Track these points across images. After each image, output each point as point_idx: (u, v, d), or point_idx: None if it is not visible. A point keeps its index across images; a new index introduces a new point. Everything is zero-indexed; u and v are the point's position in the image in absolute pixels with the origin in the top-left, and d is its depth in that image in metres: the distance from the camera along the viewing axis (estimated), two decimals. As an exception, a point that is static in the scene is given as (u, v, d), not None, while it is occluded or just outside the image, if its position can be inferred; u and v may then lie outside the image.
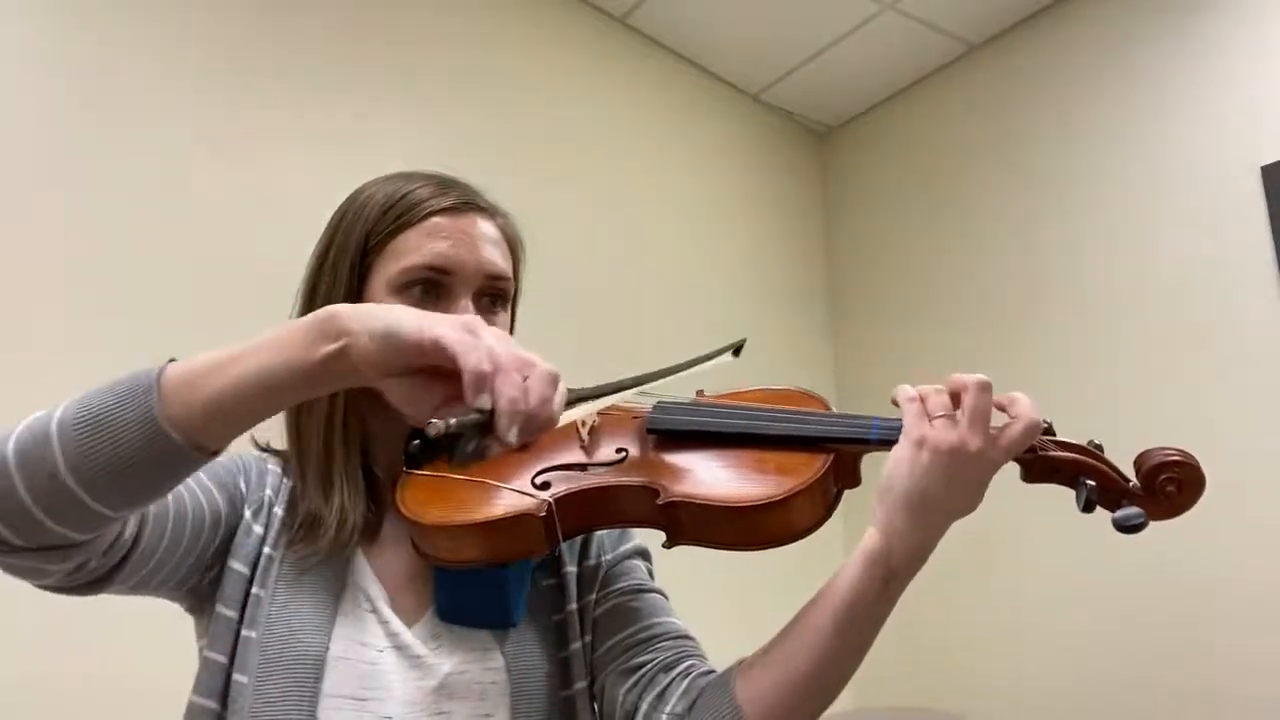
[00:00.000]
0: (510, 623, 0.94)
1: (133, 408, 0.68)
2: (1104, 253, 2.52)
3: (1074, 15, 2.71)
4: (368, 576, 0.93)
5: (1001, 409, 0.83)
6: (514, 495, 0.88)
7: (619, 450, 0.92)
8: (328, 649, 0.88)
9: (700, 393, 0.99)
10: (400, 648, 0.90)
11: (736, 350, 0.98)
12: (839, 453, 0.87)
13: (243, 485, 0.95)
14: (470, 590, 0.92)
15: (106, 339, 1.78)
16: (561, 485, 0.88)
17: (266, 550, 0.92)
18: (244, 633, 0.88)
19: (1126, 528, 0.79)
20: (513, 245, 1.03)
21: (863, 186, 3.24)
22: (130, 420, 0.68)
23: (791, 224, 3.23)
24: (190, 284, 1.90)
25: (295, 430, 0.98)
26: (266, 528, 0.93)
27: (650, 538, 0.94)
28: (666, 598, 1.03)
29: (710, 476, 0.88)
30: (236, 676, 0.86)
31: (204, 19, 2.07)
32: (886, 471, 0.84)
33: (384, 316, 0.69)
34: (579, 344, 2.35)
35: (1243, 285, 2.24)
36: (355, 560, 0.94)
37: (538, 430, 0.68)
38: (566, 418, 0.72)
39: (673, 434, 0.92)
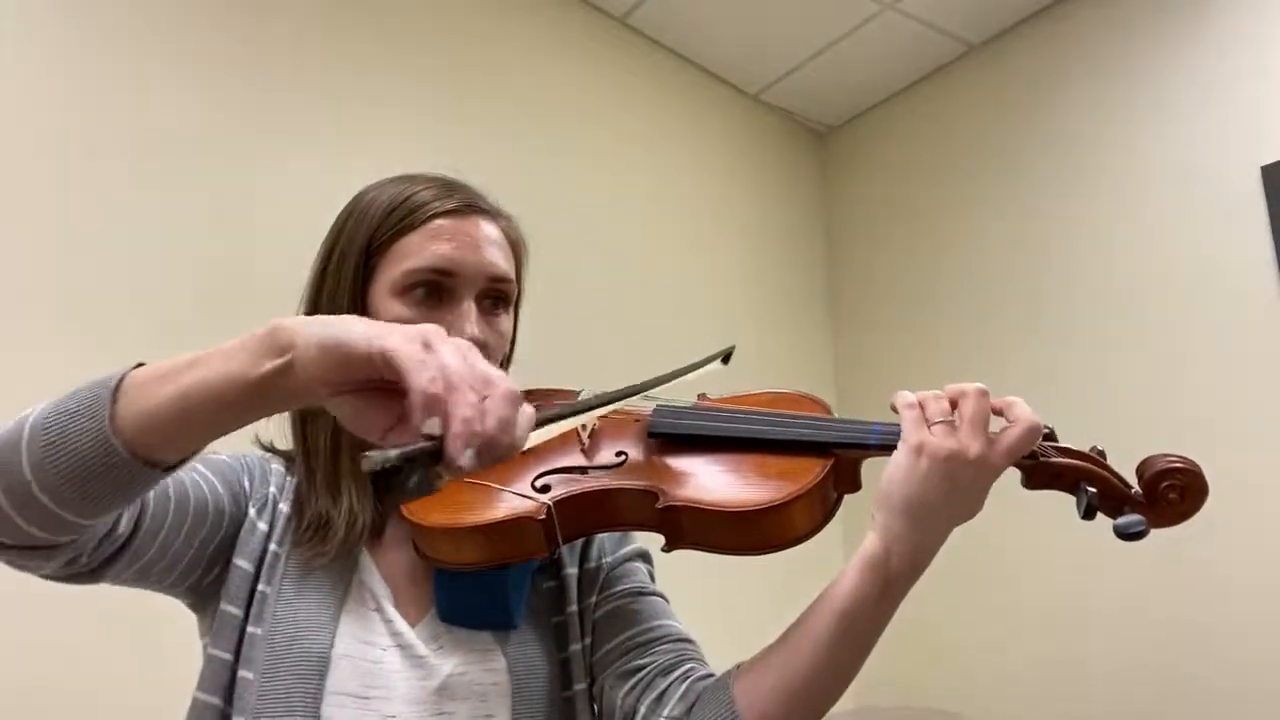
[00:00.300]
0: (511, 624, 0.94)
1: (88, 418, 0.66)
2: (1104, 252, 2.52)
3: (1074, 15, 2.71)
4: (373, 575, 0.94)
5: (999, 414, 0.83)
6: (514, 498, 0.88)
7: (619, 453, 0.93)
8: (332, 646, 0.88)
9: (703, 396, 0.99)
10: (403, 647, 0.90)
11: (725, 358, 0.98)
12: (839, 457, 0.87)
13: (246, 483, 0.95)
14: (471, 592, 0.92)
15: (106, 339, 1.78)
16: (561, 488, 0.89)
17: (272, 547, 0.92)
18: (250, 629, 0.88)
19: (1128, 535, 0.78)
20: (515, 247, 1.03)
21: (863, 186, 3.24)
22: (84, 430, 0.66)
23: (791, 224, 3.23)
24: (190, 285, 1.90)
25: (301, 432, 0.98)
26: (271, 525, 0.94)
27: (650, 540, 0.94)
28: (667, 600, 1.03)
29: (710, 481, 0.88)
30: (242, 673, 0.87)
31: (203, 19, 2.07)
32: (885, 477, 0.84)
33: (332, 326, 0.63)
34: (578, 344, 2.36)
35: (1243, 285, 2.24)
36: (361, 559, 0.94)
37: (497, 458, 0.59)
38: (536, 438, 0.66)
39: (674, 437, 0.92)
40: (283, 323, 0.64)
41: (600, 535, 1.04)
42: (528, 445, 0.62)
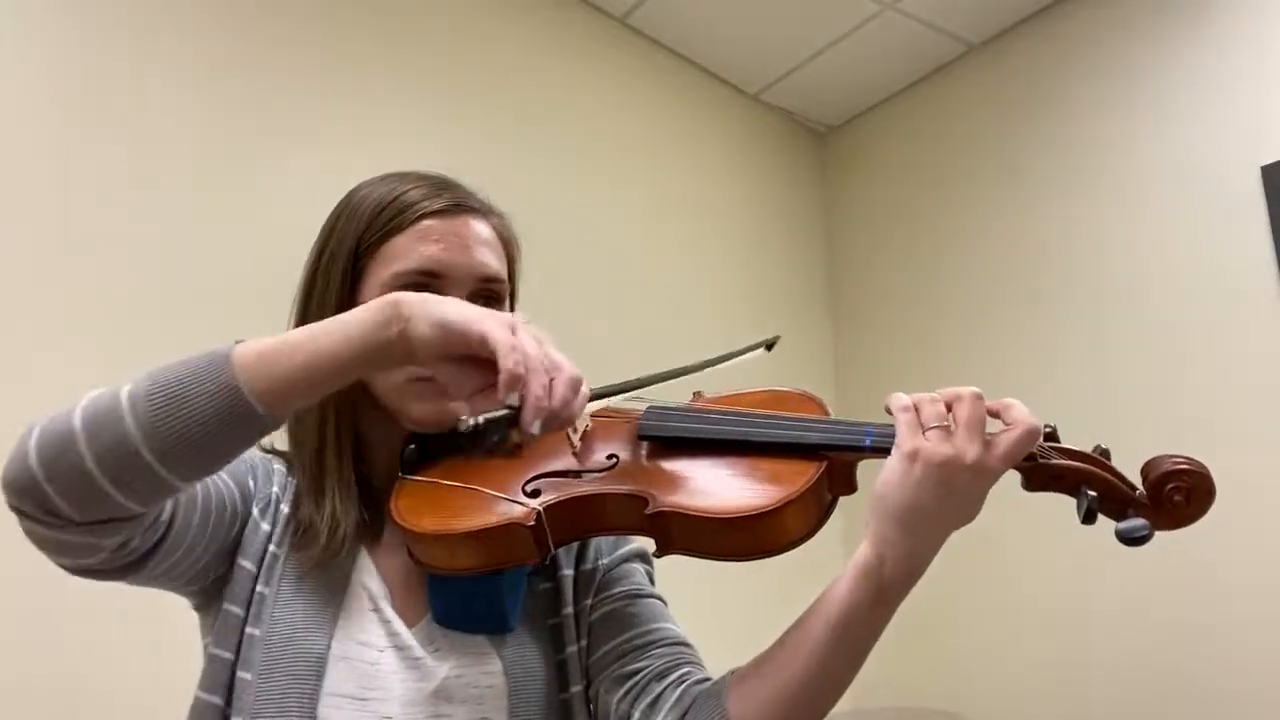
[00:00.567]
0: (505, 628, 0.93)
1: (211, 379, 0.73)
2: (1104, 252, 2.52)
3: (1074, 15, 2.71)
4: (372, 576, 0.93)
5: (997, 416, 0.81)
6: (505, 503, 0.87)
7: (610, 456, 0.91)
8: (329, 647, 0.88)
9: (697, 394, 0.98)
10: (400, 648, 0.90)
11: (769, 345, 0.97)
12: (832, 460, 0.85)
13: (251, 482, 0.95)
14: (464, 597, 0.91)
15: (106, 338, 1.77)
16: (552, 493, 0.88)
17: (272, 548, 0.92)
18: (249, 630, 0.88)
19: (1130, 540, 0.75)
20: (507, 245, 1.02)
21: (863, 186, 3.24)
22: (209, 390, 0.73)
23: (791, 224, 3.23)
24: (190, 285, 1.90)
25: (292, 435, 0.98)
26: (273, 525, 0.94)
27: (647, 542, 0.93)
28: (665, 603, 1.02)
29: (701, 485, 0.86)
30: (241, 673, 0.87)
31: (203, 19, 2.07)
32: (879, 484, 0.82)
33: (440, 305, 0.77)
34: (578, 344, 2.35)
35: (1243, 285, 2.24)
36: (360, 559, 0.94)
37: (559, 427, 0.77)
38: (591, 409, 0.81)
39: (665, 440, 0.91)
40: (398, 296, 0.78)
41: None
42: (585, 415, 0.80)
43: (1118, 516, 0.79)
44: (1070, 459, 0.81)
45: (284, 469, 0.99)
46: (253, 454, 0.99)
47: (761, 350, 0.96)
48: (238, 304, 1.88)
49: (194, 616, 0.96)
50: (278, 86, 2.14)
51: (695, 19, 2.85)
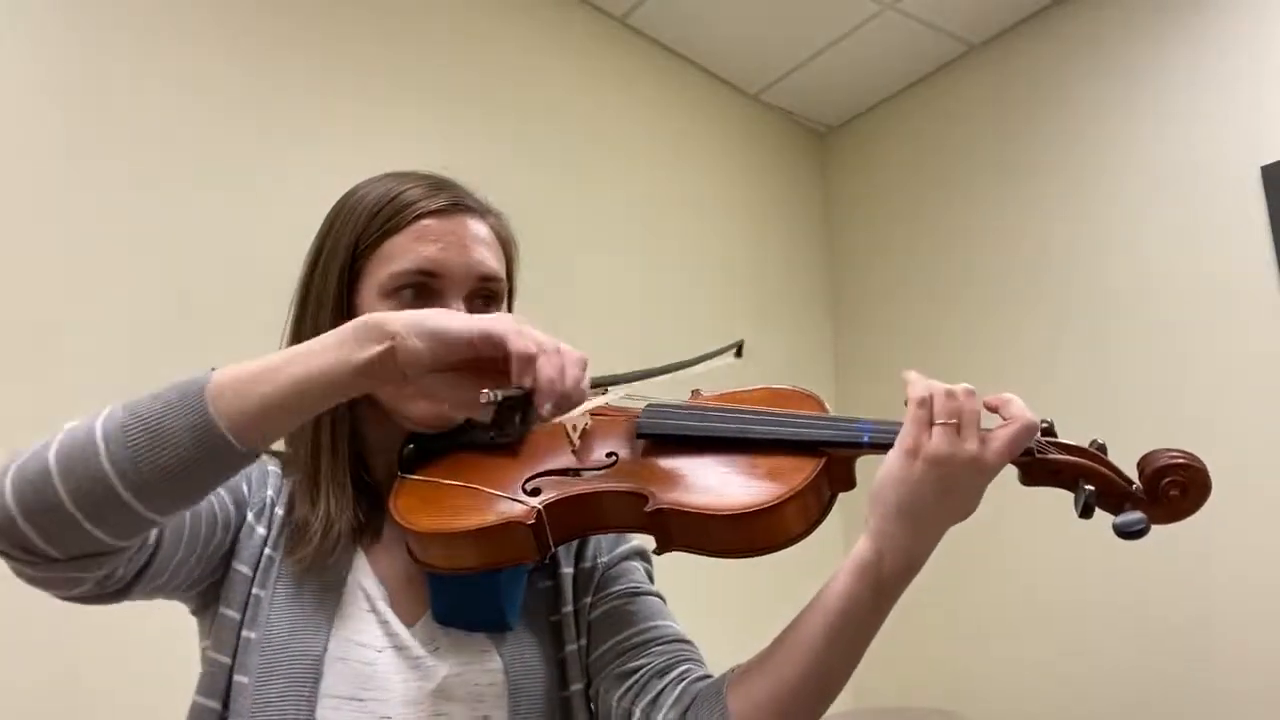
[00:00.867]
0: (506, 626, 0.93)
1: (185, 412, 0.72)
2: (1104, 253, 2.52)
3: (1074, 15, 2.71)
4: (369, 577, 0.93)
5: (994, 411, 0.82)
6: (505, 502, 0.87)
7: (609, 455, 0.91)
8: (326, 649, 0.88)
9: (696, 393, 0.98)
10: (399, 648, 0.90)
11: (738, 351, 0.97)
12: (831, 456, 0.86)
13: (245, 487, 0.95)
14: (465, 595, 0.91)
15: (106, 338, 1.77)
16: (552, 491, 0.87)
17: (268, 551, 0.92)
18: (245, 633, 0.88)
19: (1128, 534, 0.76)
20: (505, 244, 1.02)
21: (863, 186, 3.24)
22: (183, 424, 0.71)
23: (791, 224, 3.23)
24: (190, 287, 1.89)
25: (288, 436, 0.98)
26: (269, 529, 0.93)
27: (647, 540, 0.93)
28: (664, 600, 1.02)
29: (700, 482, 0.86)
30: (238, 677, 0.87)
31: (203, 20, 2.07)
32: (878, 480, 0.82)
33: (430, 316, 0.76)
34: (578, 344, 2.35)
35: (1243, 285, 2.24)
36: (357, 560, 0.94)
37: (568, 408, 0.77)
38: (590, 404, 0.82)
39: (664, 438, 0.91)
40: (378, 316, 0.76)
41: None
42: (586, 404, 0.80)
43: (1115, 510, 0.80)
44: (1067, 454, 0.82)
45: (279, 471, 0.99)
46: None
47: (731, 356, 0.96)
48: (238, 304, 1.88)
49: (193, 619, 0.96)
50: (278, 87, 2.14)
51: (695, 19, 2.85)
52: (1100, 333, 2.49)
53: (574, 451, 0.93)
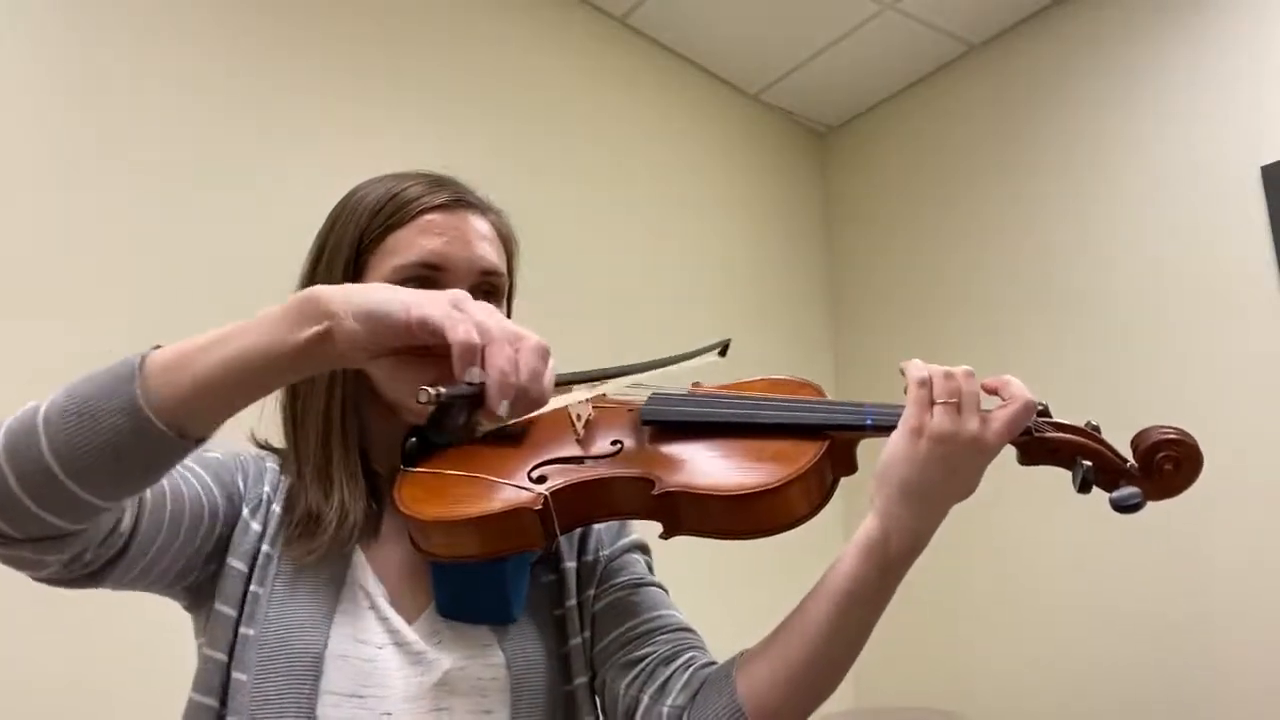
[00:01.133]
0: (510, 618, 0.93)
1: (116, 396, 0.68)
2: (1104, 253, 2.52)
3: (1074, 15, 2.71)
4: (367, 573, 0.93)
5: (994, 392, 0.84)
6: (510, 489, 0.87)
7: (614, 442, 0.92)
8: (326, 646, 0.87)
9: (697, 385, 0.99)
10: (400, 644, 0.90)
11: (723, 350, 0.98)
12: (834, 440, 0.87)
13: (241, 483, 0.95)
14: (469, 586, 0.91)
15: (105, 339, 1.77)
16: (558, 478, 0.88)
17: (265, 548, 0.92)
18: (243, 630, 0.88)
19: (1124, 507, 0.79)
20: (506, 241, 1.03)
21: (863, 186, 3.24)
22: (113, 408, 0.67)
23: (791, 224, 3.23)
24: (190, 287, 1.90)
25: (293, 428, 0.98)
26: (265, 525, 0.93)
27: (650, 530, 0.93)
28: (666, 591, 1.03)
29: (705, 466, 0.88)
30: (235, 674, 0.86)
31: (203, 20, 2.07)
32: (883, 460, 0.84)
33: (368, 296, 0.68)
34: (577, 345, 2.35)
35: (1243, 285, 2.24)
36: (355, 557, 0.94)
37: (529, 406, 0.68)
38: (556, 402, 0.73)
39: (668, 424, 0.92)
40: (316, 292, 0.68)
41: (598, 528, 1.04)
42: (552, 405, 0.70)
43: (1111, 487, 0.82)
44: (1064, 432, 0.85)
45: (276, 467, 0.99)
46: (244, 452, 0.99)
47: (715, 355, 0.97)
48: (238, 304, 1.87)
49: (187, 617, 0.96)
50: (278, 87, 2.14)
51: (695, 19, 2.85)
52: (1100, 332, 2.49)
53: (578, 440, 0.93)
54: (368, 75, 2.29)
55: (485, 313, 0.68)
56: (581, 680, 0.96)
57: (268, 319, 0.69)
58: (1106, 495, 0.81)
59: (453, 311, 0.67)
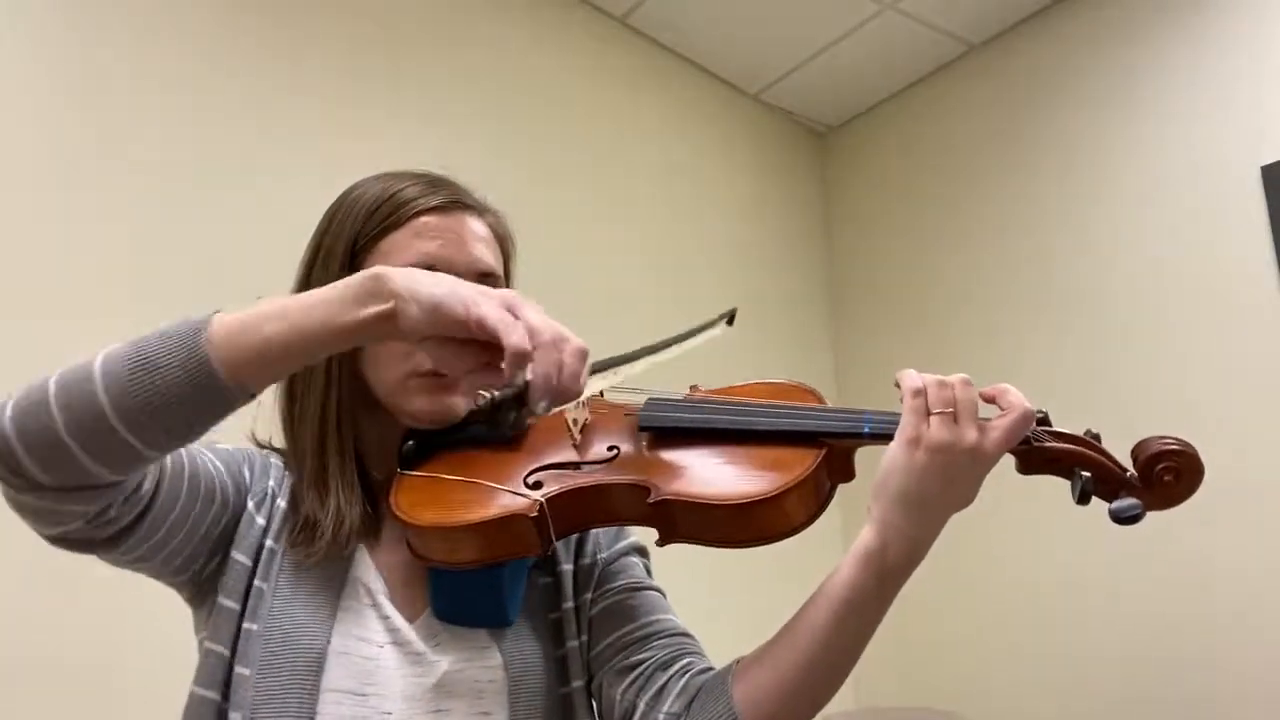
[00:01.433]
0: (506, 622, 0.94)
1: (181, 347, 0.72)
2: (1104, 253, 2.52)
3: (1074, 15, 2.71)
4: (370, 571, 0.93)
5: (992, 401, 0.83)
6: (506, 495, 0.87)
7: (611, 448, 0.92)
8: (329, 643, 0.88)
9: (694, 387, 0.99)
10: (400, 644, 0.90)
11: (730, 319, 0.98)
12: (832, 448, 0.86)
13: (247, 475, 0.95)
14: (466, 591, 0.91)
15: (105, 339, 1.77)
16: (554, 484, 0.88)
17: (269, 543, 0.92)
18: (245, 625, 0.88)
19: (1124, 519, 0.78)
20: (502, 242, 1.03)
21: (863, 186, 3.24)
22: (178, 359, 0.72)
23: (791, 224, 3.23)
24: (190, 288, 1.89)
25: (290, 432, 0.98)
26: (269, 520, 0.94)
27: (647, 534, 0.93)
28: (664, 595, 1.03)
29: (702, 474, 0.87)
30: (238, 669, 0.87)
31: (203, 20, 2.07)
32: (882, 470, 0.83)
33: (432, 290, 0.73)
34: (579, 344, 2.35)
35: (1243, 285, 2.24)
36: (358, 555, 0.94)
37: (564, 402, 0.75)
38: (585, 393, 0.79)
39: (665, 430, 0.92)
40: (382, 274, 0.74)
41: (595, 530, 1.04)
42: (586, 393, 0.78)
43: (1110, 497, 0.81)
44: (1064, 442, 0.83)
45: (281, 464, 0.99)
46: (249, 448, 0.99)
47: (724, 325, 0.97)
48: (238, 304, 1.87)
49: (188, 611, 0.96)
50: (278, 87, 2.14)
51: (695, 19, 2.85)
52: (1100, 332, 2.49)
53: (575, 445, 0.93)
54: (368, 75, 2.29)
55: (536, 315, 0.74)
56: (578, 683, 0.97)
57: (332, 293, 0.75)
58: (1105, 506, 0.80)
59: (506, 315, 0.73)
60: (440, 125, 2.39)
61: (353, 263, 0.96)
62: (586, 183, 2.66)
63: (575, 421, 0.94)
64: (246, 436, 1.00)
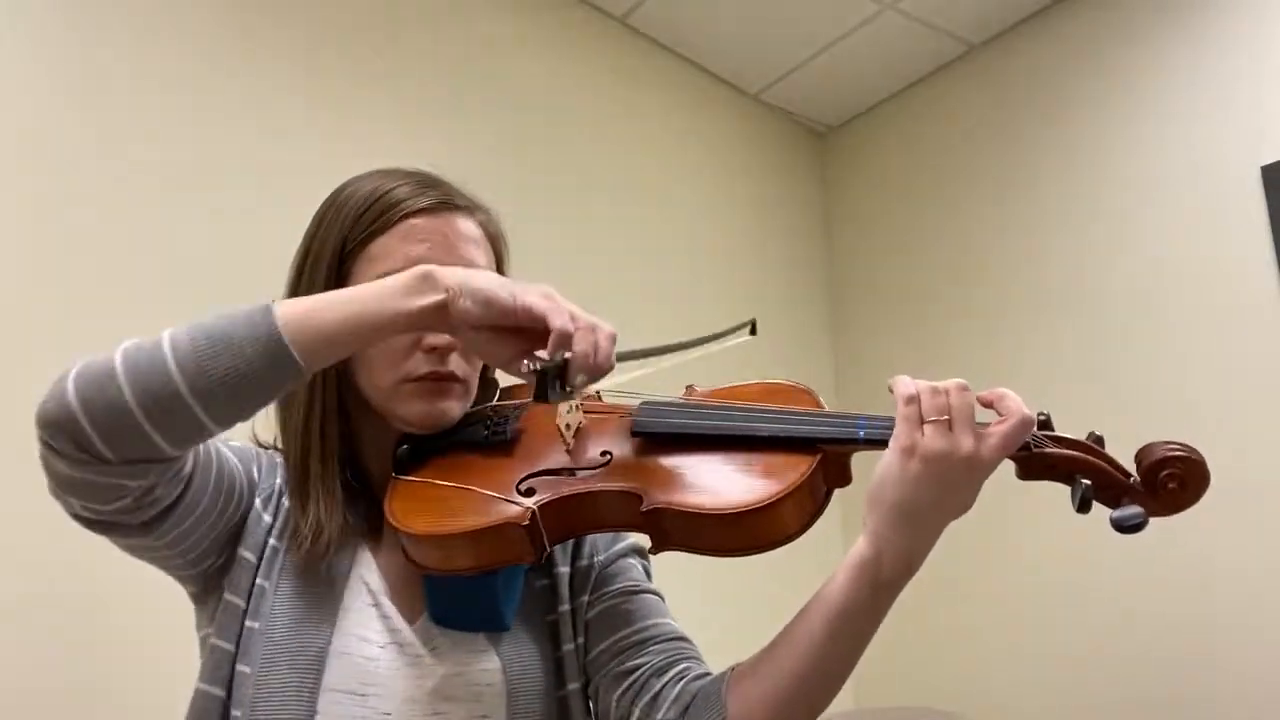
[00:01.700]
0: (503, 626, 0.93)
1: (255, 328, 0.77)
2: (1105, 252, 2.52)
3: (1074, 15, 2.71)
4: (372, 571, 0.94)
5: (990, 406, 0.81)
6: (499, 503, 0.87)
7: (604, 453, 0.91)
8: (329, 643, 0.88)
9: (690, 388, 0.98)
10: (400, 645, 0.90)
11: (752, 329, 0.98)
12: (827, 453, 0.85)
13: (256, 471, 0.96)
14: (461, 597, 0.91)
15: (105, 341, 1.77)
16: (546, 491, 0.87)
17: (273, 541, 0.92)
18: (248, 623, 0.88)
19: (1126, 527, 0.75)
20: (494, 241, 1.02)
21: (863, 186, 3.24)
22: (252, 337, 0.76)
23: (791, 224, 3.22)
24: (190, 288, 1.89)
25: (281, 435, 0.98)
26: (275, 517, 0.94)
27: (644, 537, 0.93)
28: (662, 597, 1.02)
29: (695, 481, 0.86)
30: (240, 666, 0.87)
31: (203, 20, 2.07)
32: (876, 480, 0.82)
33: (481, 285, 0.81)
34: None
35: (1243, 285, 2.24)
36: (361, 555, 0.94)
37: (598, 378, 0.83)
38: (615, 373, 0.86)
39: (658, 436, 0.91)
40: (434, 270, 0.82)
41: None
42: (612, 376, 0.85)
43: (1113, 504, 0.79)
44: (1064, 447, 0.81)
45: (284, 463, 0.99)
46: (256, 447, 0.99)
47: (747, 334, 0.98)
48: (238, 304, 1.87)
49: (190, 609, 0.96)
50: (277, 87, 2.14)
51: (695, 19, 2.85)
52: (1100, 332, 2.49)
53: (568, 451, 0.92)
54: (367, 76, 2.29)
55: (573, 305, 0.83)
56: (575, 686, 0.96)
57: (386, 287, 0.82)
58: (1108, 513, 0.78)
59: (552, 303, 0.82)
60: (440, 125, 2.39)
61: (341, 267, 0.95)
62: (585, 182, 2.66)
63: (568, 426, 0.93)
64: (249, 437, 1.00)
